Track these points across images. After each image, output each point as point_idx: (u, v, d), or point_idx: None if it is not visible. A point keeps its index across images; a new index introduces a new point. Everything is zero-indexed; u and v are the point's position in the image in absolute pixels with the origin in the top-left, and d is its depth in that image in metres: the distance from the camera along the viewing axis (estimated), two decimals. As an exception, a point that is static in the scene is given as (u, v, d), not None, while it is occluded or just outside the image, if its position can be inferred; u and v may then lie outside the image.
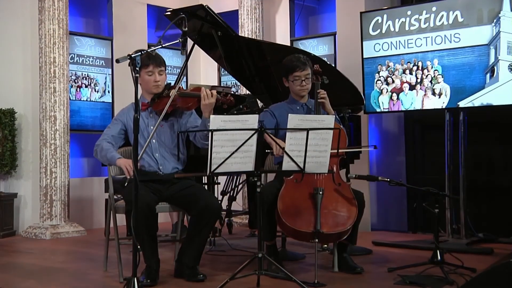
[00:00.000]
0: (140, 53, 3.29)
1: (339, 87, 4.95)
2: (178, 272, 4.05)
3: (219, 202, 4.14)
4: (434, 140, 6.66)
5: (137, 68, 3.24)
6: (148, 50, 3.48)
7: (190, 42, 5.50)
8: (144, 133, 4.06)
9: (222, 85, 8.22)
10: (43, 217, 6.42)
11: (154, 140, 4.10)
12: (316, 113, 4.22)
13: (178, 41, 3.67)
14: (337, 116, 4.36)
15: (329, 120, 3.46)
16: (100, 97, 7.36)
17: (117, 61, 3.15)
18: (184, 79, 7.87)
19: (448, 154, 5.68)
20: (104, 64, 7.40)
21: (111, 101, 7.44)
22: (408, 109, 5.80)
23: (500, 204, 6.26)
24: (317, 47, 7.41)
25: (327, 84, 4.35)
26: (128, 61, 3.23)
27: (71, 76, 6.95)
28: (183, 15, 3.63)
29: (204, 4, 5.05)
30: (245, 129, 3.32)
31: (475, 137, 5.99)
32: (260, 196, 3.62)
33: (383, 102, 5.90)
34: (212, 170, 3.33)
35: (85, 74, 7.22)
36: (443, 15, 5.51)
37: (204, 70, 8.25)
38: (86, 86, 7.23)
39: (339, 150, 3.82)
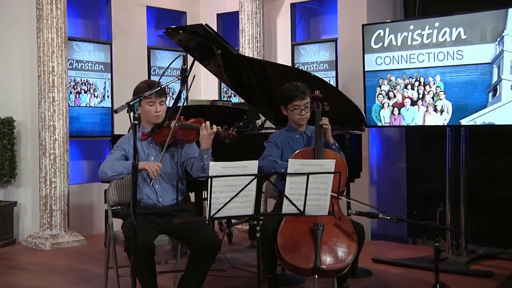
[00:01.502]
0: (138, 99, 3.25)
1: (340, 107, 4.89)
2: (178, 304, 4.04)
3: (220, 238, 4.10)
4: (435, 148, 6.63)
5: (136, 115, 3.19)
6: (146, 94, 3.44)
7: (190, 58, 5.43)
8: (145, 163, 4.03)
9: (222, 90, 8.16)
10: (43, 226, 6.42)
11: (155, 171, 4.05)
12: (316, 142, 4.19)
13: (176, 79, 3.63)
14: (336, 144, 4.33)
15: (330, 164, 3.42)
16: (100, 102, 7.30)
17: (115, 111, 3.09)
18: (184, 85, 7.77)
19: (449, 166, 5.65)
20: (103, 68, 7.32)
21: (110, 106, 7.37)
22: (410, 125, 5.76)
23: (501, 214, 6.25)
24: (318, 53, 7.33)
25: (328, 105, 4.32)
26: (127, 108, 3.18)
27: (70, 82, 6.88)
28: (183, 53, 3.57)
29: (204, 23, 4.97)
30: (244, 175, 3.29)
31: (476, 148, 5.97)
32: (261, 233, 3.59)
33: (384, 116, 5.85)
34: (211, 215, 3.31)
35: (84, 80, 7.15)
36: (446, 31, 5.43)
37: (205, 76, 8.16)
38: (85, 92, 7.17)
39: (340, 186, 3.80)
